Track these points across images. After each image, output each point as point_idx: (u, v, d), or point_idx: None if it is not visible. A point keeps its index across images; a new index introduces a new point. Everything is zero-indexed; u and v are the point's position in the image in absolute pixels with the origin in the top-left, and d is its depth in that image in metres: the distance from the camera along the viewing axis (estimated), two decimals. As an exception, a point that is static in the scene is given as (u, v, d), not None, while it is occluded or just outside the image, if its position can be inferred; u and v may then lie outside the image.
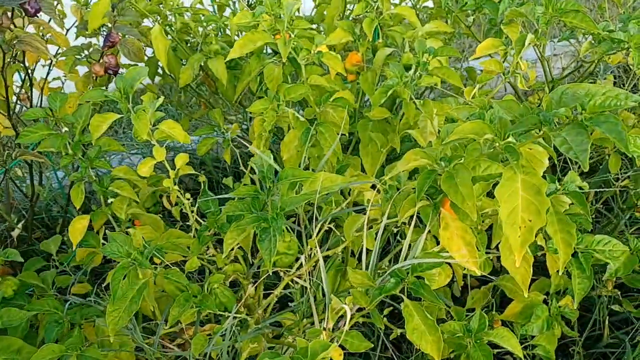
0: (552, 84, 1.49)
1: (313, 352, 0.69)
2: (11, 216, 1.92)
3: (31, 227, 1.92)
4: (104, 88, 1.60)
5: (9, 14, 1.38)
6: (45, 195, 2.13)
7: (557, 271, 1.07)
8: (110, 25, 1.48)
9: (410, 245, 0.87)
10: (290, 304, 1.41)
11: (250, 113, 1.37)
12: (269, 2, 1.24)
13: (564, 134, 0.68)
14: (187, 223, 1.42)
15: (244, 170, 1.48)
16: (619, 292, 1.40)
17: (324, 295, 1.24)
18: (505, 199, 0.74)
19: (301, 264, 1.10)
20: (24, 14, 1.44)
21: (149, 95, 1.16)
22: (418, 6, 1.93)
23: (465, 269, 1.21)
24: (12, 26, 1.37)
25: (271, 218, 0.92)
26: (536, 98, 2.00)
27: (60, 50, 1.71)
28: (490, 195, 1.04)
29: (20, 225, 1.90)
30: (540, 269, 1.41)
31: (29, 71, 1.69)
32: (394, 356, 1.56)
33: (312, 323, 1.19)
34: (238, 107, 1.98)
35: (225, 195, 1.12)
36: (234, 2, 1.95)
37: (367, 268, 0.88)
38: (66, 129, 1.26)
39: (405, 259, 0.84)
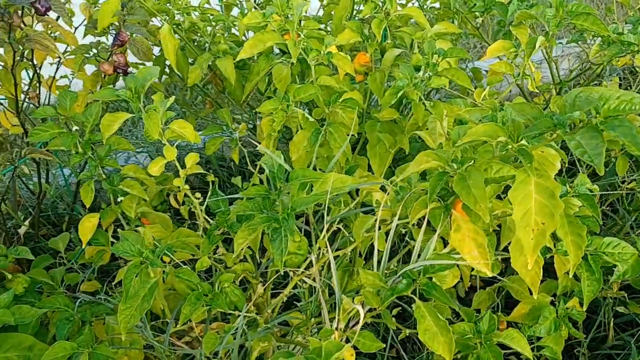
0: (560, 86, 1.50)
1: (327, 352, 0.70)
2: (18, 213, 1.93)
3: (38, 224, 1.93)
4: (113, 87, 1.60)
5: (19, 12, 1.38)
6: (52, 192, 2.14)
7: (565, 273, 1.07)
8: (118, 24, 1.49)
9: (419, 246, 0.88)
10: (296, 303, 1.41)
11: (259, 113, 1.38)
12: (279, 3, 1.24)
13: (578, 137, 0.69)
14: (193, 221, 1.42)
15: (252, 169, 1.48)
16: (625, 294, 1.40)
17: (330, 294, 1.25)
18: (519, 201, 0.74)
19: (310, 263, 1.11)
20: (33, 12, 1.45)
21: (160, 95, 1.16)
22: (425, 7, 1.93)
23: (472, 270, 1.22)
24: (22, 25, 1.37)
25: (282, 218, 0.93)
26: (541, 99, 2.01)
27: (69, 49, 1.72)
28: (499, 197, 1.05)
29: (27, 223, 1.91)
30: (545, 270, 1.42)
31: (37, 69, 1.70)
32: (399, 355, 1.57)
33: (320, 322, 1.19)
34: (244, 106, 1.98)
35: (236, 195, 1.13)
36: (241, 2, 1.96)
37: (377, 269, 0.88)
38: (76, 127, 1.26)
39: (416, 260, 0.84)
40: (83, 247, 1.28)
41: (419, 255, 0.87)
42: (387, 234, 0.92)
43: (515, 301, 1.34)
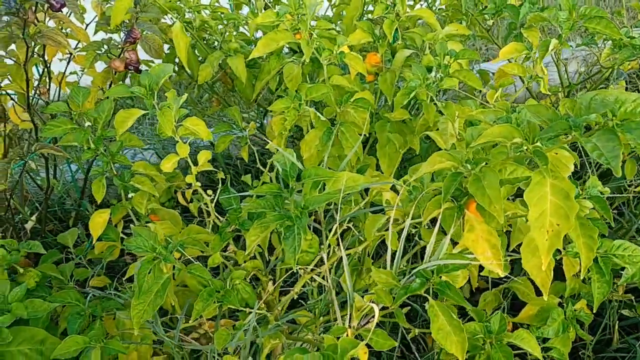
0: (569, 89, 1.50)
1: (343, 349, 0.71)
2: (25, 209, 1.94)
3: (45, 219, 1.93)
4: (126, 84, 1.61)
5: (33, 8, 1.39)
6: (59, 188, 2.15)
7: (576, 274, 1.08)
8: (130, 21, 1.50)
9: (432, 246, 0.88)
10: (301, 301, 1.42)
11: (270, 111, 1.38)
12: (292, 2, 1.25)
13: (594, 139, 0.69)
14: (200, 218, 1.43)
15: (261, 167, 1.49)
16: (632, 297, 1.41)
17: (338, 293, 1.25)
18: (534, 202, 0.75)
19: (318, 262, 1.11)
20: (46, 8, 1.46)
21: (173, 93, 1.17)
22: (434, 8, 1.94)
23: (481, 270, 1.23)
24: (35, 21, 1.38)
25: (295, 216, 0.93)
26: (548, 102, 2.01)
27: (80, 45, 1.73)
28: (508, 198, 1.05)
29: (34, 218, 1.92)
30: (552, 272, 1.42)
31: (48, 65, 1.70)
32: (404, 355, 1.58)
33: (328, 321, 1.20)
34: (252, 105, 1.99)
35: (247, 193, 1.14)
36: (251, 1, 1.96)
37: (390, 267, 0.89)
38: (89, 123, 1.27)
39: (429, 260, 0.85)
40: (94, 242, 1.29)
41: (431, 255, 0.88)
42: (399, 233, 0.92)
43: (520, 303, 1.34)
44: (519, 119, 0.83)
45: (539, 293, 1.28)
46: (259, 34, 1.81)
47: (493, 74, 1.74)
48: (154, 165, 1.38)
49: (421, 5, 2.00)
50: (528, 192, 0.76)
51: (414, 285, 0.82)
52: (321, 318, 1.19)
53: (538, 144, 0.78)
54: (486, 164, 0.82)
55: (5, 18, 1.28)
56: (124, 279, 1.26)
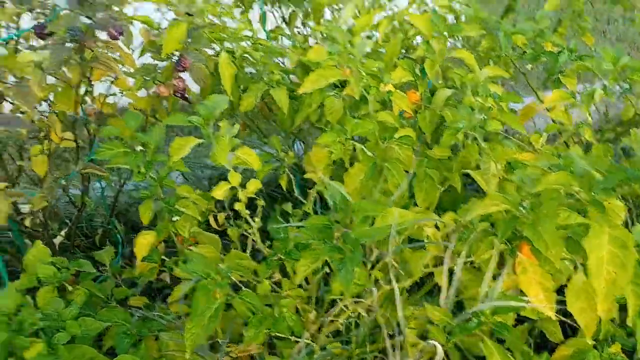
0: (601, 133, 1.55)
1: (407, 384, 0.73)
2: (54, 224, 1.98)
3: (74, 235, 1.97)
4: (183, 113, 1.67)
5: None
6: (92, 206, 2.18)
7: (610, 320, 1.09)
8: (180, 50, 1.55)
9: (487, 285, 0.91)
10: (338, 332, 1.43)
11: (299, 139, 1.41)
12: (342, 42, 1.30)
13: (653, 192, 0.73)
14: (229, 239, 1.46)
15: (300, 198, 1.53)
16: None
17: (376, 327, 1.27)
18: (592, 250, 0.78)
19: (359, 294, 1.14)
20: (99, 34, 1.52)
21: (226, 123, 1.22)
22: (466, 48, 1.99)
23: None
24: (91, 47, 1.44)
25: (348, 250, 0.97)
26: (572, 141, 2.05)
27: (125, 70, 1.78)
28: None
29: (63, 233, 1.95)
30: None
31: (92, 86, 1.76)
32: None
33: (364, 352, 1.22)
34: (288, 134, 2.03)
35: (294, 224, 1.17)
36: (286, 34, 2.03)
37: (445, 304, 0.91)
38: (140, 147, 1.31)
39: (484, 299, 0.88)
40: (138, 262, 1.32)
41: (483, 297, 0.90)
42: (455, 271, 0.95)
43: (543, 342, 1.35)
44: (573, 167, 0.86)
45: (565, 334, 1.30)
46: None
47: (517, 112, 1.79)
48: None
49: (452, 43, 2.07)
50: (587, 239, 0.79)
51: (471, 325, 0.85)
52: (357, 350, 1.20)
53: (593, 193, 0.81)
54: (542, 209, 0.85)
55: (68, 44, 1.34)
56: (168, 300, 1.28)
